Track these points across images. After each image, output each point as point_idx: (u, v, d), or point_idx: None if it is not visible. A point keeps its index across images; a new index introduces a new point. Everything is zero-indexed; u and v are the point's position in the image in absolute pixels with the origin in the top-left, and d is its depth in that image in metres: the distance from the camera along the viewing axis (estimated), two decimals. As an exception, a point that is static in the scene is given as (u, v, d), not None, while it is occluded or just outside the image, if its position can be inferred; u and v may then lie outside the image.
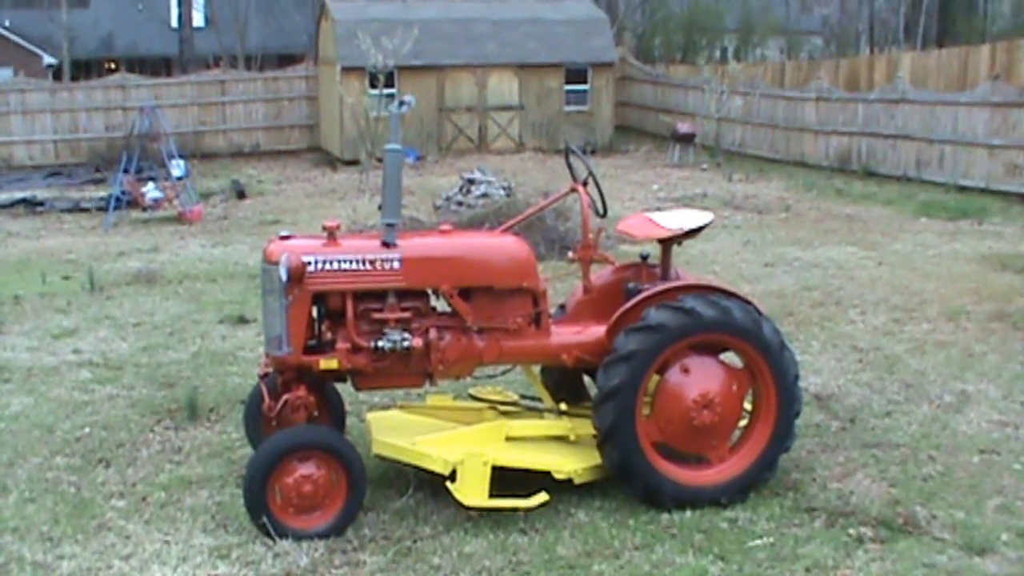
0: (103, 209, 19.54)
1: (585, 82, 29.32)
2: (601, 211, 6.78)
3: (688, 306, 6.16)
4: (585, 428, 6.57)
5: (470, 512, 6.09)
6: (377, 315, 6.09)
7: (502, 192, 18.99)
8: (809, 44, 40.73)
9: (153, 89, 28.94)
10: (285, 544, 5.71)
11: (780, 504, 6.39)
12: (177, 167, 20.23)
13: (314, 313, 6.12)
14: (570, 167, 7.14)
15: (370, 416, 6.88)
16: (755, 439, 6.44)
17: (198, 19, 39.88)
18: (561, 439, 6.57)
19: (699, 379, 6.28)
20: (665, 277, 6.95)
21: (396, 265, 6.07)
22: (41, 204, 20.29)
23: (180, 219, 18.35)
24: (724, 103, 26.78)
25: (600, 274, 7.04)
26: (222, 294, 12.38)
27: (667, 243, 6.98)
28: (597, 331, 6.53)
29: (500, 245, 6.43)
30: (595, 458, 6.34)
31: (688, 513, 6.21)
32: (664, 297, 6.31)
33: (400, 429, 6.51)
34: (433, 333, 6.17)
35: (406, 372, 6.23)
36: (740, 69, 28.47)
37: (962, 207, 18.63)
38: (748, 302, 6.41)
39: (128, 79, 29.39)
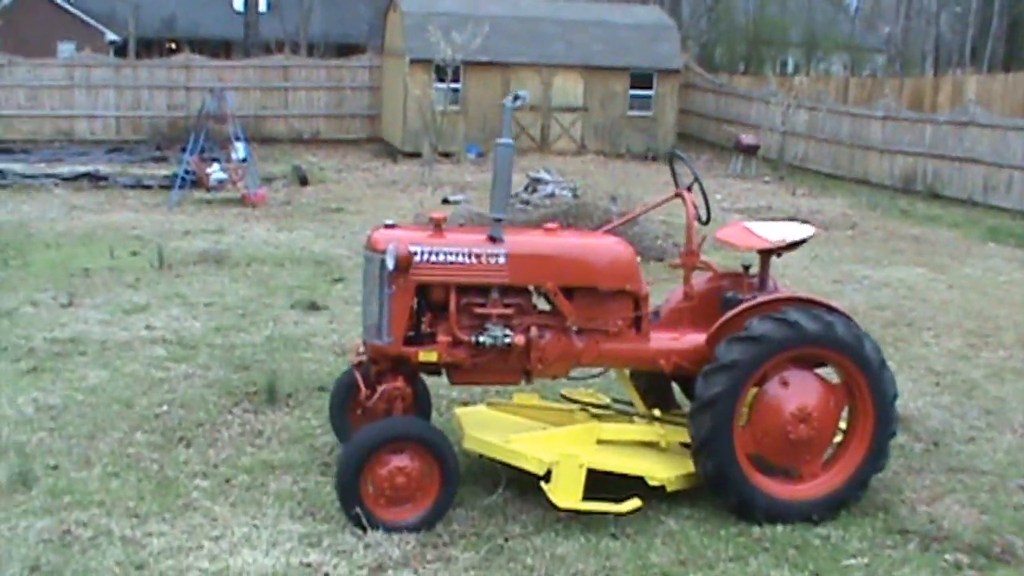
0: (166, 187, 19.67)
1: (650, 87, 29.19)
2: (704, 218, 6.68)
3: (792, 318, 6.05)
4: (676, 435, 6.48)
5: (560, 513, 6.00)
6: (479, 310, 6.01)
7: (568, 193, 18.90)
8: (872, 61, 40.34)
9: (216, 71, 29.11)
10: (376, 535, 5.63)
11: (872, 524, 6.26)
12: (238, 150, 20.26)
13: (415, 304, 6.04)
14: (673, 173, 7.06)
15: (458, 411, 6.81)
16: (849, 457, 6.32)
17: (262, 4, 40.06)
18: (651, 445, 6.48)
19: (797, 393, 6.17)
20: (763, 288, 6.84)
21: (502, 260, 6.00)
22: (104, 179, 20.43)
23: (243, 202, 18.39)
24: (789, 116, 26.54)
25: (696, 282, 6.93)
26: (290, 279, 12.36)
27: (767, 254, 6.88)
28: (696, 338, 6.43)
29: (605, 246, 6.34)
30: (687, 466, 6.24)
31: (779, 528, 6.09)
32: (767, 308, 6.21)
33: (491, 426, 6.44)
34: (534, 331, 6.09)
35: (504, 369, 6.16)
36: (806, 83, 28.17)
37: (1031, 234, 18.36)
38: (849, 318, 6.30)
39: (192, 60, 29.58)
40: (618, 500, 5.97)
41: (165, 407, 7.74)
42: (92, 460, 6.68)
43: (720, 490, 6.13)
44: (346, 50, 38.46)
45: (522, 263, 6.04)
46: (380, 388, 5.96)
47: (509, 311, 6.06)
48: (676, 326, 6.61)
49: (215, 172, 18.63)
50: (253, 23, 35.90)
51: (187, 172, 18.61)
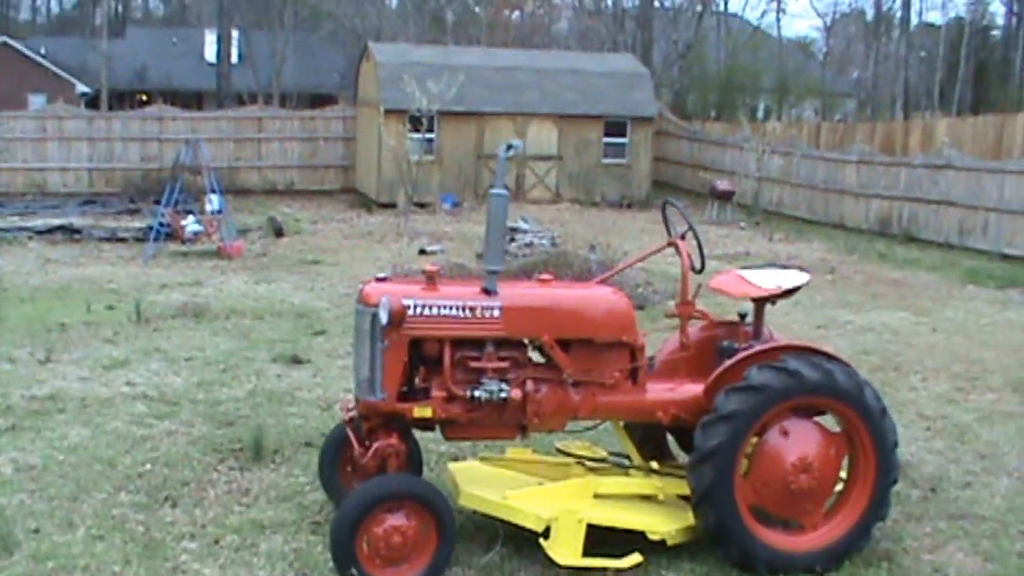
0: (140, 239, 19.48)
1: (624, 135, 29.28)
2: (699, 267, 6.61)
3: (791, 367, 5.97)
4: (673, 487, 6.37)
5: (559, 570, 5.86)
6: (474, 363, 5.90)
7: (546, 242, 18.88)
8: (843, 106, 40.73)
9: (190, 122, 29.02)
10: (374, 598, 5.47)
11: (875, 575, 6.16)
12: (212, 201, 20.12)
13: (408, 359, 5.91)
14: (666, 221, 7.00)
15: (451, 467, 6.66)
16: (851, 506, 6.23)
17: (233, 55, 40.03)
18: (650, 498, 6.35)
19: (798, 442, 6.08)
20: (758, 337, 6.77)
21: (496, 313, 5.89)
22: (79, 232, 20.22)
23: (219, 254, 18.23)
24: (764, 162, 26.68)
25: (690, 331, 6.84)
26: (271, 332, 12.20)
27: (761, 302, 6.81)
28: (693, 389, 6.34)
29: (601, 297, 6.25)
30: (686, 519, 6.12)
31: (783, 581, 5.99)
32: (765, 357, 6.12)
33: (486, 481, 6.30)
34: (530, 385, 5.98)
35: (499, 423, 6.04)
36: (780, 129, 28.35)
37: (1009, 276, 18.43)
38: (848, 365, 6.23)
39: (166, 111, 29.48)
40: (618, 555, 5.85)
41: (149, 465, 7.54)
42: (75, 522, 6.49)
43: (721, 542, 6.01)
44: (318, 100, 38.49)
45: (517, 315, 5.93)
46: (374, 445, 5.81)
47: (504, 364, 5.95)
48: (672, 376, 6.52)
49: (190, 224, 18.47)
50: (226, 74, 35.87)
51: (162, 224, 18.44)
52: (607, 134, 29.23)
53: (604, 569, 5.79)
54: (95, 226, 20.92)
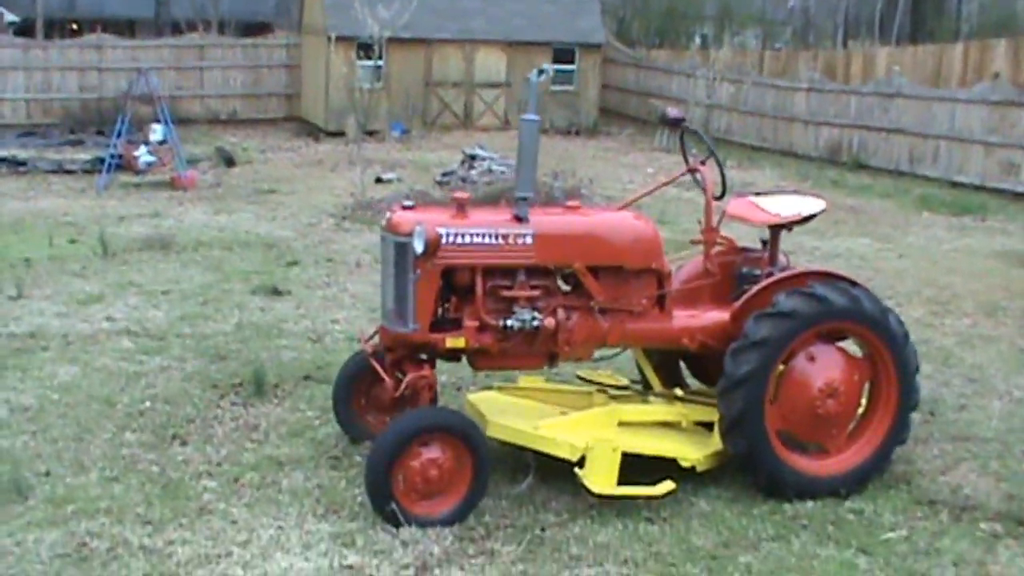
0: (88, 171, 19.01)
1: (572, 62, 29.02)
2: (720, 193, 6.54)
3: (820, 293, 5.96)
4: (695, 414, 6.35)
5: (590, 498, 5.82)
6: (506, 292, 5.79)
7: (504, 168, 18.70)
8: (784, 35, 40.80)
9: (130, 51, 28.12)
10: (410, 532, 5.38)
11: (899, 496, 6.24)
12: (155, 131, 19.61)
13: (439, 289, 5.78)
14: (683, 148, 6.92)
15: (471, 398, 6.56)
16: (874, 430, 6.28)
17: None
18: (673, 425, 6.33)
19: (824, 368, 6.09)
20: (774, 263, 6.74)
21: (528, 241, 5.77)
22: (23, 164, 19.60)
23: (173, 185, 17.79)
24: (714, 90, 26.63)
25: (699, 258, 6.79)
26: (243, 263, 11.96)
27: (777, 229, 6.78)
28: (717, 315, 6.30)
29: (630, 224, 6.16)
30: (713, 445, 6.11)
31: (810, 504, 6.03)
32: (793, 283, 6.11)
33: (510, 412, 6.22)
34: (561, 313, 5.89)
35: (529, 353, 5.95)
36: (729, 56, 28.27)
37: (961, 203, 18.64)
38: (869, 291, 6.24)
39: (104, 40, 28.51)
40: (648, 483, 5.82)
41: (148, 403, 7.36)
42: (86, 464, 6.30)
43: (751, 468, 6.02)
44: (254, 29, 37.61)
45: (550, 243, 5.82)
46: (407, 377, 5.69)
47: (536, 293, 5.85)
48: (693, 302, 6.46)
49: (143, 155, 17.99)
50: (164, 1, 34.83)
51: (113, 155, 17.93)
52: (555, 61, 28.91)
53: (643, 497, 5.77)
54: (39, 158, 20.27)
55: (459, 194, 5.91)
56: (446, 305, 5.82)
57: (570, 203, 6.19)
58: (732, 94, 27.36)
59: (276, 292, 10.51)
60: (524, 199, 5.79)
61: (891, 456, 6.36)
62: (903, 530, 5.78)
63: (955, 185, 20.31)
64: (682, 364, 7.08)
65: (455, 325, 5.78)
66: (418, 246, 5.44)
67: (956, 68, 28.01)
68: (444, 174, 19.04)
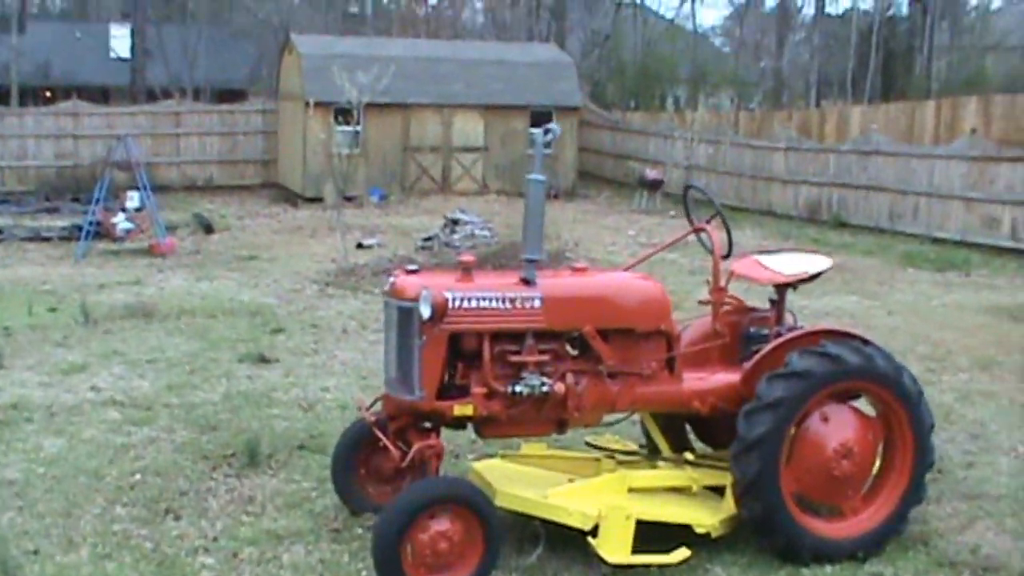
0: (65, 238, 18.82)
1: (550, 125, 29.08)
2: (726, 252, 6.43)
3: (833, 352, 5.83)
4: (705, 478, 6.18)
5: (603, 569, 5.63)
6: (514, 358, 5.62)
7: (486, 233, 18.63)
8: (758, 95, 41.19)
9: (106, 118, 28.06)
10: (421, 608, 5.17)
11: (917, 558, 6.10)
12: (132, 198, 19.46)
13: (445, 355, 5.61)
14: (687, 208, 6.84)
15: (476, 466, 6.37)
16: (890, 490, 6.14)
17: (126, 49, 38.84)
18: (683, 490, 6.16)
19: (838, 428, 5.96)
20: (781, 323, 6.63)
21: (537, 304, 5.62)
22: (0, 232, 19.35)
23: (152, 251, 17.60)
24: (693, 150, 26.76)
25: (706, 318, 6.67)
26: (228, 331, 11.74)
27: (783, 288, 6.68)
28: (727, 377, 6.16)
29: (638, 285, 6.04)
30: (727, 510, 5.94)
31: (828, 568, 5.87)
32: (804, 342, 5.99)
33: (518, 480, 6.03)
34: (570, 378, 5.72)
35: (538, 419, 5.78)
36: (707, 118, 28.48)
37: (945, 258, 18.69)
38: (882, 349, 6.12)
39: (80, 107, 28.43)
40: (661, 550, 5.64)
41: (139, 476, 7.12)
42: (76, 541, 6.05)
43: (767, 532, 5.85)
44: (228, 96, 37.61)
45: (558, 306, 5.68)
46: (415, 447, 5.49)
47: (545, 357, 5.69)
48: (702, 365, 6.32)
49: (121, 222, 17.80)
50: (139, 68, 34.78)
51: (90, 223, 17.72)
52: (533, 124, 28.97)
53: (657, 565, 5.58)
54: (15, 225, 20.06)
55: (465, 257, 5.77)
56: (452, 371, 5.64)
57: (577, 265, 6.06)
58: (710, 155, 27.51)
59: (263, 360, 10.30)
60: (532, 261, 5.65)
61: (908, 517, 6.20)
62: (927, 595, 5.62)
63: (936, 241, 20.38)
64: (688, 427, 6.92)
65: (462, 392, 5.60)
66: (425, 311, 5.28)
67: (928, 125, 28.34)
68: (425, 239, 18.94)
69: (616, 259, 17.58)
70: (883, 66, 39.88)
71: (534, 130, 5.83)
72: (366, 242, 19.45)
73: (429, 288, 5.32)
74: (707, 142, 27.55)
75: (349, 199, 24.90)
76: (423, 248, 18.20)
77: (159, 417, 8.45)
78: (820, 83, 40.97)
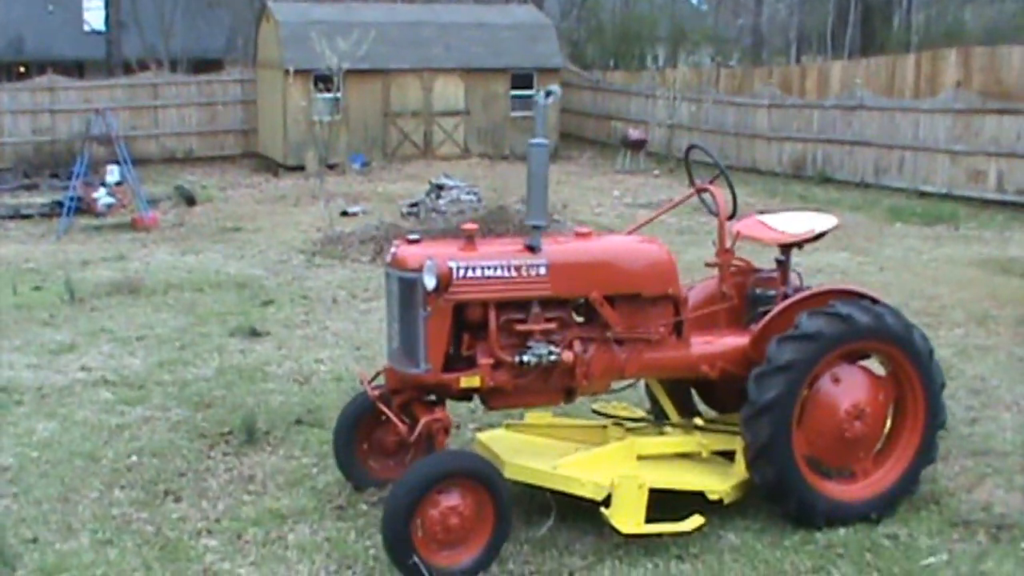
0: (46, 215, 18.55)
1: (531, 87, 28.84)
2: (732, 212, 6.31)
3: (843, 312, 5.72)
4: (714, 444, 6.09)
5: (615, 538, 5.54)
6: (520, 327, 5.49)
7: (472, 198, 18.44)
8: (738, 52, 40.95)
9: (83, 92, 27.66)
10: (433, 584, 5.07)
11: (930, 518, 6.01)
12: (112, 172, 19.19)
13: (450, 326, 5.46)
14: (688, 168, 6.71)
15: (481, 437, 6.25)
16: (902, 450, 6.04)
17: (100, 22, 38.26)
18: (693, 456, 6.06)
19: (850, 389, 5.85)
20: (785, 283, 6.52)
21: (543, 272, 5.49)
22: (-22, 211, 19.09)
23: (135, 226, 17.37)
24: (676, 109, 26.60)
25: (710, 281, 6.55)
26: (217, 305, 11.58)
27: (789, 248, 6.56)
28: (736, 340, 6.05)
29: (645, 249, 5.90)
30: (738, 475, 5.85)
31: (841, 531, 5.78)
32: (813, 303, 5.88)
33: (526, 451, 5.92)
34: (578, 345, 5.60)
35: (546, 388, 5.65)
36: (688, 75, 28.29)
37: (932, 212, 18.64)
38: (892, 308, 6.02)
39: (56, 81, 27.97)
40: (673, 518, 5.55)
41: (135, 457, 6.98)
42: (75, 527, 5.91)
43: (779, 497, 5.75)
44: (204, 66, 37.13)
45: (564, 273, 5.54)
46: (422, 421, 5.37)
47: (552, 325, 5.56)
48: (709, 328, 6.21)
49: (102, 197, 17.55)
50: (115, 41, 34.25)
51: (72, 198, 17.46)
52: (514, 87, 28.78)
53: (672, 534, 5.49)
54: (-6, 203, 19.78)
55: (468, 225, 5.61)
56: (458, 343, 5.50)
57: (581, 230, 5.92)
58: (693, 113, 27.35)
59: (255, 333, 10.15)
60: (537, 228, 5.51)
61: (919, 477, 6.12)
62: (943, 554, 5.55)
63: (923, 195, 20.33)
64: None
65: (468, 363, 5.47)
66: (429, 282, 5.14)
67: (909, 79, 28.14)
68: (411, 205, 18.74)
69: (603, 220, 17.45)
70: (862, 20, 39.65)
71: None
72: (350, 210, 19.26)
73: (433, 258, 5.17)
74: (689, 100, 27.39)
75: (331, 167, 24.69)
76: (409, 214, 18.02)
77: (152, 395, 8.31)
78: (800, 39, 40.75)
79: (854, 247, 15.44)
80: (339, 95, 24.77)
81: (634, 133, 26.64)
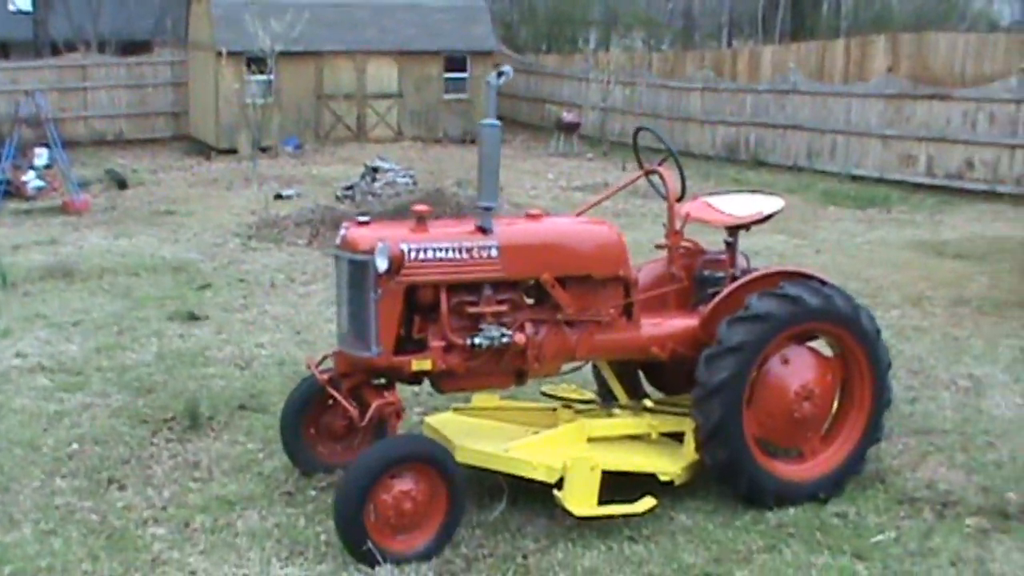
0: (-28, 199, 18.08)
1: (464, 70, 28.76)
2: (680, 194, 6.32)
3: (794, 294, 5.76)
4: (663, 425, 6.11)
5: (566, 521, 5.54)
6: (472, 309, 5.46)
7: (407, 181, 18.32)
8: (670, 35, 41.13)
9: (10, 73, 27.03)
10: (387, 571, 5.02)
11: (877, 496, 6.11)
12: (40, 155, 18.81)
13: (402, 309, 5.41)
14: (636, 150, 6.72)
15: (430, 421, 6.21)
16: (849, 430, 6.12)
17: (26, 2, 37.43)
18: (642, 438, 6.08)
19: (799, 370, 5.91)
20: (733, 265, 6.56)
21: (494, 254, 5.45)
22: (-98, 195, 18.52)
23: (66, 210, 16.99)
24: (610, 92, 26.66)
25: (656, 262, 6.57)
26: (153, 289, 11.39)
27: (737, 230, 6.60)
28: (686, 321, 6.08)
29: (596, 231, 5.90)
30: (688, 456, 5.88)
31: (791, 511, 5.85)
32: (763, 284, 5.92)
33: (476, 434, 5.89)
34: (529, 328, 5.58)
35: (497, 371, 5.63)
36: (622, 58, 28.39)
37: (865, 196, 18.92)
38: (840, 289, 6.09)
39: (-20, 61, 27.39)
40: (624, 500, 5.56)
41: (76, 445, 6.83)
42: (16, 518, 5.75)
43: (731, 478, 5.80)
44: (133, 47, 36.45)
45: (516, 255, 5.51)
46: (374, 404, 5.31)
47: (503, 308, 5.54)
48: (658, 310, 6.22)
49: (32, 180, 17.17)
50: (43, 22, 33.47)
51: (1, 182, 17.06)
52: (447, 69, 28.65)
53: (624, 516, 5.50)
54: (-82, 188, 19.21)
55: (419, 207, 5.56)
56: (409, 325, 5.45)
57: (532, 212, 5.89)
58: (627, 96, 27.42)
59: (193, 317, 10.00)
60: (488, 209, 5.47)
61: (866, 456, 6.20)
62: (891, 532, 5.64)
63: (855, 179, 20.61)
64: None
65: (419, 346, 5.42)
66: (381, 264, 5.08)
67: (839, 64, 28.46)
68: (346, 188, 18.55)
69: (539, 203, 17.40)
70: (793, 5, 40.00)
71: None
72: (285, 192, 19.05)
73: (385, 240, 5.12)
74: (623, 84, 27.46)
75: (264, 150, 24.42)
76: (344, 197, 17.84)
77: (91, 382, 8.14)
78: (731, 23, 41.04)
79: (790, 230, 15.58)
80: (272, 77, 24.50)
81: (568, 116, 26.68)
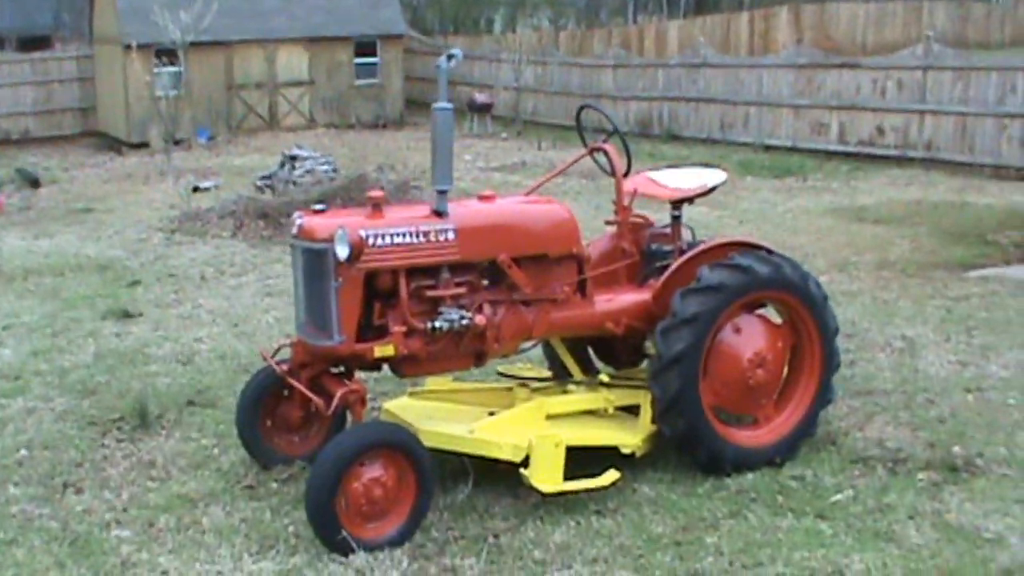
0: None
1: (375, 55, 28.59)
2: (626, 170, 6.39)
3: (744, 264, 5.88)
4: (619, 399, 6.19)
5: (532, 498, 5.60)
6: (431, 293, 5.47)
7: (327, 168, 18.17)
8: (575, 14, 41.34)
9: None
10: (360, 560, 5.01)
11: (830, 458, 6.25)
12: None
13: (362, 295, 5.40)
14: (580, 129, 6.77)
15: (388, 406, 6.21)
16: (800, 395, 6.25)
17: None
18: (598, 413, 6.15)
19: (751, 338, 6.03)
20: (679, 238, 6.66)
21: (451, 236, 5.47)
22: None
23: (-23, 212, 16.60)
24: (521, 72, 26.73)
25: (603, 238, 6.64)
26: (82, 288, 11.17)
27: (681, 203, 6.70)
28: (638, 296, 6.16)
29: (548, 210, 5.94)
30: (646, 428, 5.97)
31: (750, 476, 5.97)
32: (713, 256, 6.02)
33: (436, 417, 5.91)
34: (488, 309, 5.61)
35: (457, 354, 5.65)
36: (533, 38, 28.47)
37: (780, 165, 19.27)
38: (788, 258, 6.22)
39: None
40: (586, 475, 5.63)
41: (24, 451, 6.68)
42: (-28, 528, 5.66)
43: (691, 447, 5.90)
44: (32, 43, 35.59)
45: (473, 237, 5.54)
46: (338, 393, 5.29)
47: (462, 291, 5.56)
48: (609, 286, 6.29)
49: (-60, 183, 16.70)
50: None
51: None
52: (358, 55, 28.45)
53: (590, 490, 5.57)
54: None
55: (375, 192, 5.55)
56: (369, 312, 5.44)
57: (484, 193, 5.92)
58: (538, 76, 27.51)
59: (127, 315, 9.85)
60: (443, 192, 5.48)
61: (817, 419, 6.35)
62: (848, 491, 5.78)
63: (769, 148, 20.97)
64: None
65: (380, 333, 5.42)
66: (342, 251, 5.07)
67: (743, 36, 28.95)
68: (264, 177, 18.35)
69: (461, 185, 17.38)
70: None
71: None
72: (203, 185, 18.80)
73: (344, 227, 5.10)
74: (534, 63, 27.54)
75: (177, 142, 24.05)
76: (264, 187, 17.65)
77: (31, 386, 7.97)
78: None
79: (710, 201, 15.55)
80: (181, 69, 24.11)
81: (480, 97, 26.71)
